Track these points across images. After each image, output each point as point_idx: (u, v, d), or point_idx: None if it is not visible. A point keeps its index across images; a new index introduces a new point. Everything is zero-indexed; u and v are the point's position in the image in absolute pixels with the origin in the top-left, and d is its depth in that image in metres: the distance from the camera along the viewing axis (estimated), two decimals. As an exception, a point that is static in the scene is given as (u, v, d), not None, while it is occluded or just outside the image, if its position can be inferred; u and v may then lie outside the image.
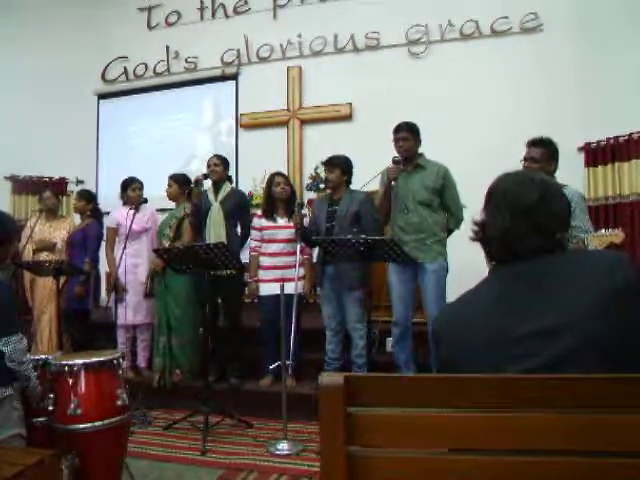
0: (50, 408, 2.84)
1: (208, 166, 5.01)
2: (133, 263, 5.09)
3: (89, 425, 2.80)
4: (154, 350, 5.01)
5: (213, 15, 7.84)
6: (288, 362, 3.98)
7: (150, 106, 8.05)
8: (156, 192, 5.46)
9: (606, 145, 5.90)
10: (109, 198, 6.56)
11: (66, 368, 2.87)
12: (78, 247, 5.20)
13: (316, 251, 4.69)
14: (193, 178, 5.06)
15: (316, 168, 6.90)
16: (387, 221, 4.39)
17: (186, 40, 7.80)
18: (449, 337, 1.44)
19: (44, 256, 5.30)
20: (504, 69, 6.36)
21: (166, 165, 6.44)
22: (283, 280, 4.26)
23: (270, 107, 7.36)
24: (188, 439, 4.03)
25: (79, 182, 8.03)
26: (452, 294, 3.86)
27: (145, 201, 5.02)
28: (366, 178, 4.44)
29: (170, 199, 5.23)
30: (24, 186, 7.76)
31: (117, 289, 4.95)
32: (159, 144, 7.92)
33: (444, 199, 4.21)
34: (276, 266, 4.69)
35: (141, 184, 5.25)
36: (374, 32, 7.01)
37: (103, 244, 5.29)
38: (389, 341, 4.65)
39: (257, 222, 4.83)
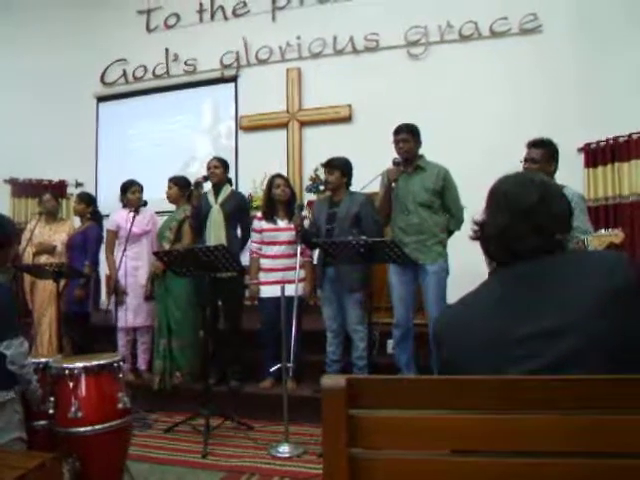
0: (51, 411, 2.84)
1: (208, 168, 5.01)
2: (133, 266, 5.09)
3: (90, 428, 2.80)
4: (154, 353, 5.00)
5: (212, 17, 7.84)
6: (289, 364, 3.97)
7: (149, 108, 8.05)
8: (156, 195, 5.47)
9: (606, 146, 5.90)
10: (108, 201, 6.56)
11: (67, 371, 2.88)
12: (78, 250, 5.20)
13: (316, 253, 4.69)
14: (193, 180, 5.06)
15: (316, 170, 6.89)
16: (387, 222, 4.39)
17: (185, 42, 7.80)
18: (450, 339, 1.44)
19: (44, 259, 5.32)
20: (504, 70, 6.36)
21: (166, 168, 6.44)
22: (283, 282, 4.27)
23: (269, 109, 7.36)
24: (189, 442, 4.02)
25: (78, 185, 8.03)
26: (453, 295, 3.88)
27: (145, 204, 5.02)
28: (366, 180, 4.44)
29: (170, 201, 5.23)
30: (24, 189, 7.76)
31: (117, 292, 4.95)
32: (158, 146, 7.91)
33: (444, 200, 4.22)
34: (276, 268, 4.69)
35: (141, 187, 5.25)
36: (373, 34, 7.01)
37: (103, 247, 5.29)
38: (390, 343, 4.65)
39: (257, 224, 4.83)
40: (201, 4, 7.86)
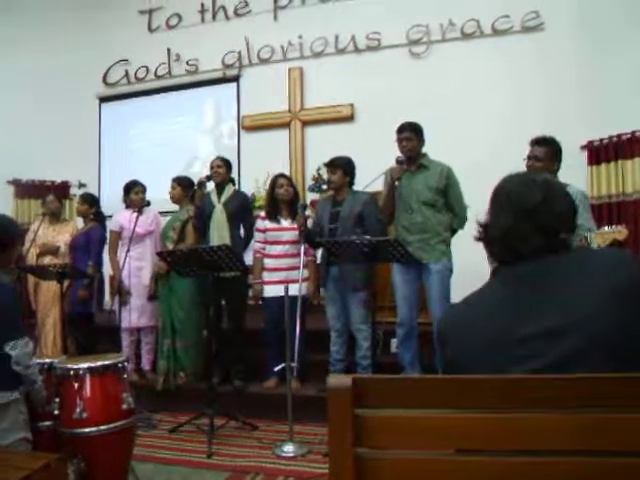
0: (56, 412, 2.85)
1: (211, 168, 5.02)
2: (137, 266, 5.10)
3: (95, 429, 2.81)
4: (158, 353, 5.01)
5: (214, 17, 7.83)
6: (293, 364, 3.97)
7: (152, 109, 8.05)
8: (158, 195, 5.47)
9: (609, 143, 5.89)
10: (111, 201, 6.57)
11: (71, 372, 2.89)
12: (81, 251, 5.22)
13: (320, 252, 4.69)
14: (196, 180, 5.06)
15: (318, 169, 6.90)
16: (391, 221, 4.39)
17: (187, 42, 7.80)
18: (453, 339, 1.44)
19: (48, 260, 5.33)
20: (506, 68, 6.35)
21: (168, 168, 6.45)
22: (287, 282, 4.27)
23: (272, 109, 7.36)
24: (193, 442, 4.03)
25: (81, 185, 8.04)
26: (456, 294, 3.89)
27: (148, 204, 5.01)
28: (369, 179, 4.44)
29: (173, 202, 5.24)
30: (26, 190, 7.77)
31: (121, 292, 4.95)
32: (161, 147, 7.91)
33: (448, 199, 4.21)
34: (280, 268, 4.69)
35: (144, 187, 5.26)
36: (375, 32, 7.00)
37: (106, 247, 5.30)
38: (393, 342, 4.64)
39: (261, 224, 4.83)
40: (203, 4, 7.86)
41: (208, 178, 4.96)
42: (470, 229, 1.61)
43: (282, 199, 4.76)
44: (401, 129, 4.24)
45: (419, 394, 1.09)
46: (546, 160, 3.51)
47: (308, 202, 6.21)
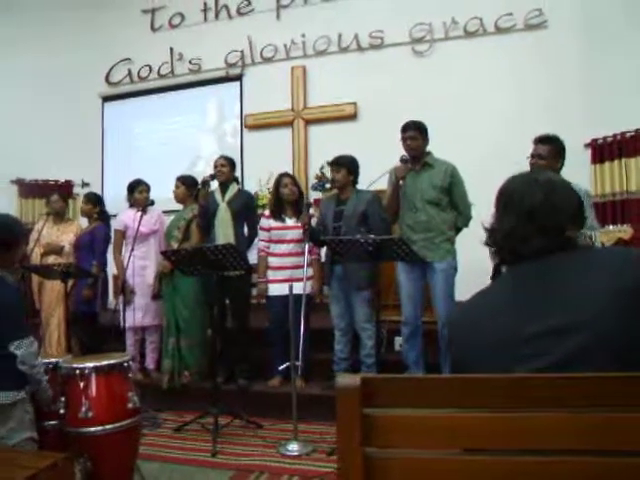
0: (61, 411, 2.85)
1: (215, 167, 5.01)
2: (141, 265, 5.11)
3: (100, 428, 2.82)
4: (163, 352, 5.02)
5: (216, 16, 7.85)
6: (297, 362, 3.97)
7: (155, 108, 8.07)
8: (162, 194, 5.47)
9: (613, 141, 5.88)
10: (115, 200, 6.56)
11: (77, 371, 2.89)
12: (86, 250, 5.22)
13: (324, 251, 4.69)
14: (200, 179, 5.07)
15: (322, 168, 6.90)
16: (395, 220, 4.38)
17: (190, 42, 7.81)
18: (459, 338, 1.45)
19: (52, 259, 5.34)
20: (509, 66, 6.35)
21: (171, 167, 6.47)
22: (292, 280, 4.28)
23: (275, 107, 7.38)
24: (198, 441, 4.04)
25: (85, 185, 8.07)
26: (461, 293, 3.88)
27: (152, 203, 5.01)
28: (372, 177, 4.43)
29: (177, 201, 5.24)
30: (30, 189, 7.80)
31: (125, 291, 4.95)
32: (164, 146, 7.93)
33: (452, 197, 4.20)
34: (284, 266, 4.69)
35: (147, 186, 5.26)
36: (378, 31, 7.00)
37: (110, 247, 5.31)
38: (398, 340, 4.65)
39: (265, 222, 4.83)
40: (205, 3, 7.88)
41: (212, 177, 4.95)
42: (475, 227, 1.62)
43: (287, 199, 4.76)
44: (405, 128, 4.23)
45: (427, 393, 1.09)
46: (550, 158, 3.51)
47: (312, 201, 6.22)
